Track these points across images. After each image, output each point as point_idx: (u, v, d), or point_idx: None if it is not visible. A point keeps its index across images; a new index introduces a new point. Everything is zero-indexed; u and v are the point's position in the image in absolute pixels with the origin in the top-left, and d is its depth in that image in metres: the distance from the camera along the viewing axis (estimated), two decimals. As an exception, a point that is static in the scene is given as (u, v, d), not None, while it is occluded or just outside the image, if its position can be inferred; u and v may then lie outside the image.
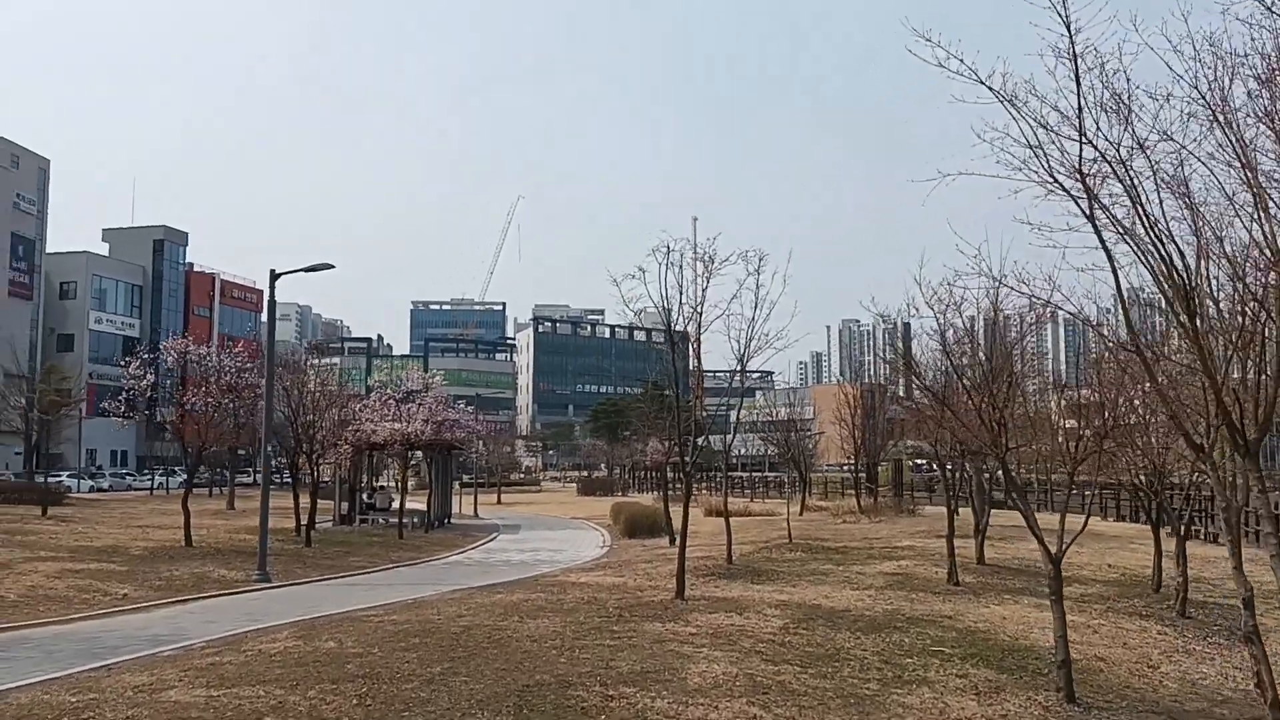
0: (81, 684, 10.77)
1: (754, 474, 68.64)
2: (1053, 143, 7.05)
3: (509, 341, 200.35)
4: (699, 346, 17.87)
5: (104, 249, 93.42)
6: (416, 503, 44.61)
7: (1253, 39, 7.04)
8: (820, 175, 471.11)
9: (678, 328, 17.65)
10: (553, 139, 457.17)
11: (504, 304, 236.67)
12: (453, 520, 44.92)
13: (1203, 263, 7.33)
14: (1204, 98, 6.86)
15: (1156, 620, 16.40)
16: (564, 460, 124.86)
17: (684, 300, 17.02)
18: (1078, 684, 11.14)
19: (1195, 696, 12.07)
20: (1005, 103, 6.95)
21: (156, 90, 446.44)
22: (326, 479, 44.13)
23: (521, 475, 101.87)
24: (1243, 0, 6.88)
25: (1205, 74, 6.89)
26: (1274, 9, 6.90)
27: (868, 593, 17.70)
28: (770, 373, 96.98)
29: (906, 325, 18.19)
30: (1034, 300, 7.99)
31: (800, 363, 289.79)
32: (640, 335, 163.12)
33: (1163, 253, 6.97)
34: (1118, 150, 6.83)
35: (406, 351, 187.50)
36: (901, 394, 62.26)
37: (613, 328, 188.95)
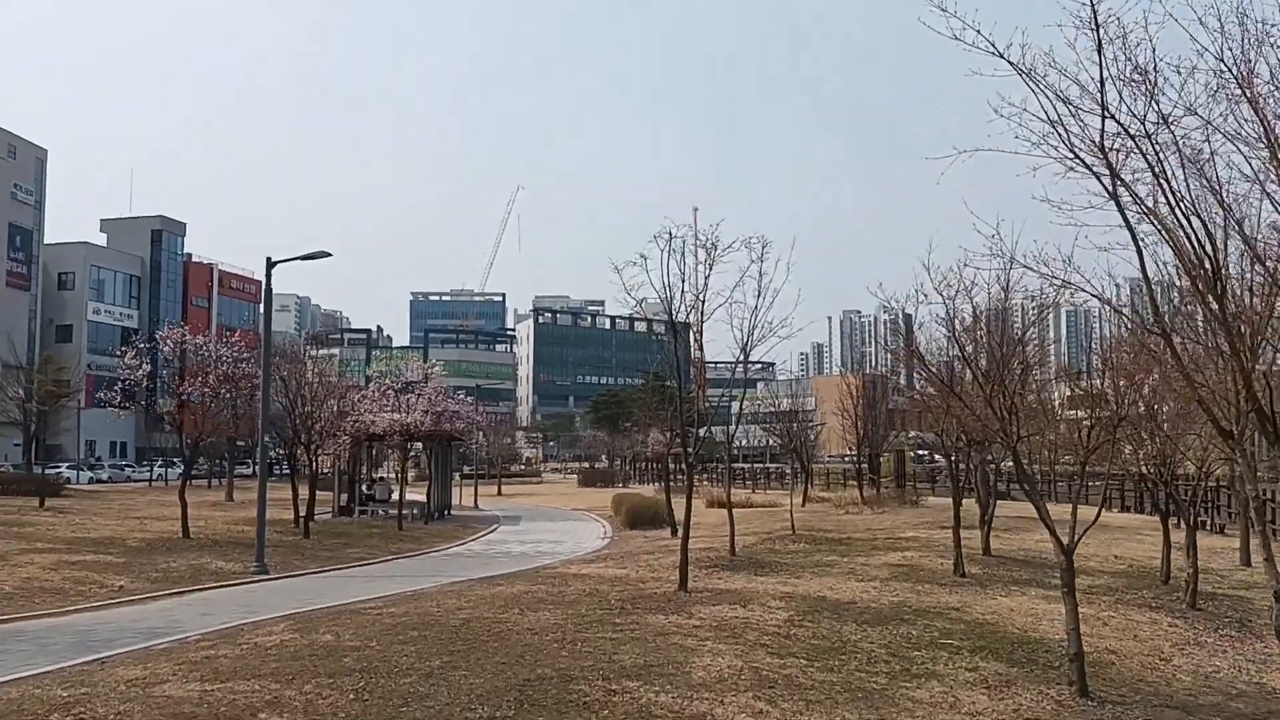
0: (74, 678, 10.54)
1: (755, 465, 68.41)
2: (1073, 115, 6.78)
3: (509, 332, 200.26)
4: (701, 335, 17.61)
5: (102, 240, 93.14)
6: (416, 494, 44.42)
7: (1281, 6, 6.76)
8: (820, 175, 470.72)
9: (680, 317, 17.39)
10: (553, 139, 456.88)
11: (504, 295, 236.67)
12: (453, 512, 44.72)
13: (1229, 243, 7.06)
14: (1230, 70, 6.59)
15: (1166, 612, 16.17)
16: (564, 451, 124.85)
17: (686, 288, 16.78)
18: (1089, 677, 10.91)
19: (1209, 690, 11.85)
20: (1024, 75, 6.68)
21: (156, 90, 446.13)
22: (326, 470, 43.94)
23: (522, 467, 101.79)
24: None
25: (1231, 47, 6.63)
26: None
27: (873, 584, 17.47)
28: (771, 364, 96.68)
29: (908, 316, 17.91)
30: (1052, 280, 7.71)
31: (801, 353, 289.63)
32: (641, 326, 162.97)
33: (1188, 231, 6.70)
34: (1143, 124, 6.56)
35: (406, 343, 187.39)
36: (903, 384, 62.32)
37: (613, 318, 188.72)
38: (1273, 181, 7.07)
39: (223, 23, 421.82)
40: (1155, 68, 6.42)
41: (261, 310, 26.94)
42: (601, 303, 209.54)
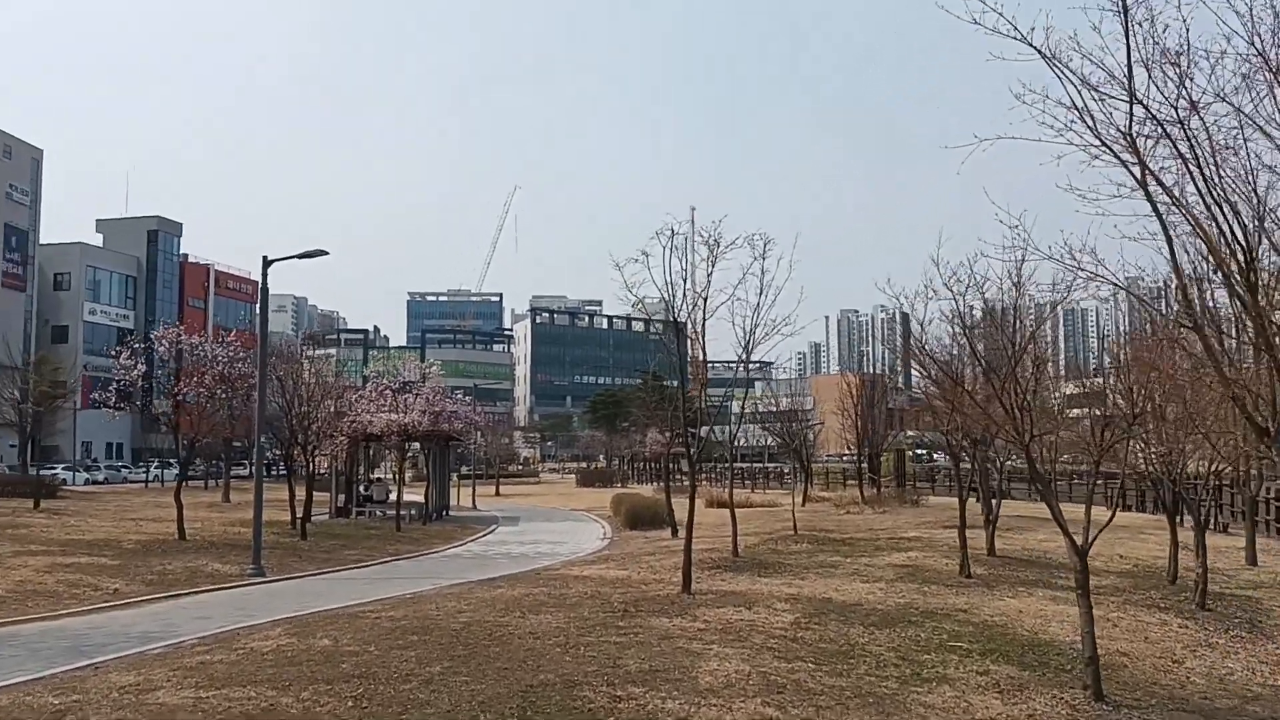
0: (66, 684, 10.31)
1: (754, 465, 68.20)
2: (1096, 100, 6.54)
3: (506, 332, 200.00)
4: (703, 333, 17.36)
5: (98, 240, 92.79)
6: (414, 495, 44.17)
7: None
8: (820, 175, 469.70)
9: (681, 315, 17.14)
10: (552, 139, 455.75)
11: (501, 295, 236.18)
12: (451, 512, 44.46)
13: (1263, 235, 6.78)
14: (1261, 55, 6.35)
15: (1176, 613, 15.94)
16: (562, 451, 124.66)
17: (689, 286, 16.54)
18: (1102, 680, 10.69)
19: (1225, 693, 11.62)
20: (1049, 60, 6.43)
21: (156, 90, 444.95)
22: (324, 471, 43.68)
23: (520, 467, 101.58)
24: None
25: (1261, 33, 6.39)
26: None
27: (878, 585, 17.23)
28: (770, 363, 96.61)
29: (905, 316, 17.67)
30: (1079, 272, 7.45)
31: (799, 353, 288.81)
32: (638, 326, 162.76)
33: (1220, 221, 6.45)
34: (1175, 109, 6.31)
35: (404, 343, 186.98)
36: (902, 384, 62.14)
37: (610, 318, 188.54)
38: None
39: (223, 23, 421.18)
40: (1189, 50, 6.20)
41: (258, 310, 26.67)
42: (599, 302, 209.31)
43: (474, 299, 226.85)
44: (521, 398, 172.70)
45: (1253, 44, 6.30)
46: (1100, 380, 16.23)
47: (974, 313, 13.33)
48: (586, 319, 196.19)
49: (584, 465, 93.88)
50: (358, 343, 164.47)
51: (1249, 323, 6.84)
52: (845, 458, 66.84)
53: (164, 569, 21.43)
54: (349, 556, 26.24)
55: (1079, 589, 10.59)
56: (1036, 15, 6.45)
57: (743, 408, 25.74)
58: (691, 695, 9.54)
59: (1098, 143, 6.60)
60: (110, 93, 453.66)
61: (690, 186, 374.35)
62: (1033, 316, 13.60)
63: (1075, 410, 26.17)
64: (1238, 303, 6.80)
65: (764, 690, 9.87)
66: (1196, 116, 6.38)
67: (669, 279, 16.36)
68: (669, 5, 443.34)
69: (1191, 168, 6.38)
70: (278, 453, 35.70)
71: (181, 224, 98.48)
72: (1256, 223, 6.68)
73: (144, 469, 70.47)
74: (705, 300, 16.66)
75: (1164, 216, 6.73)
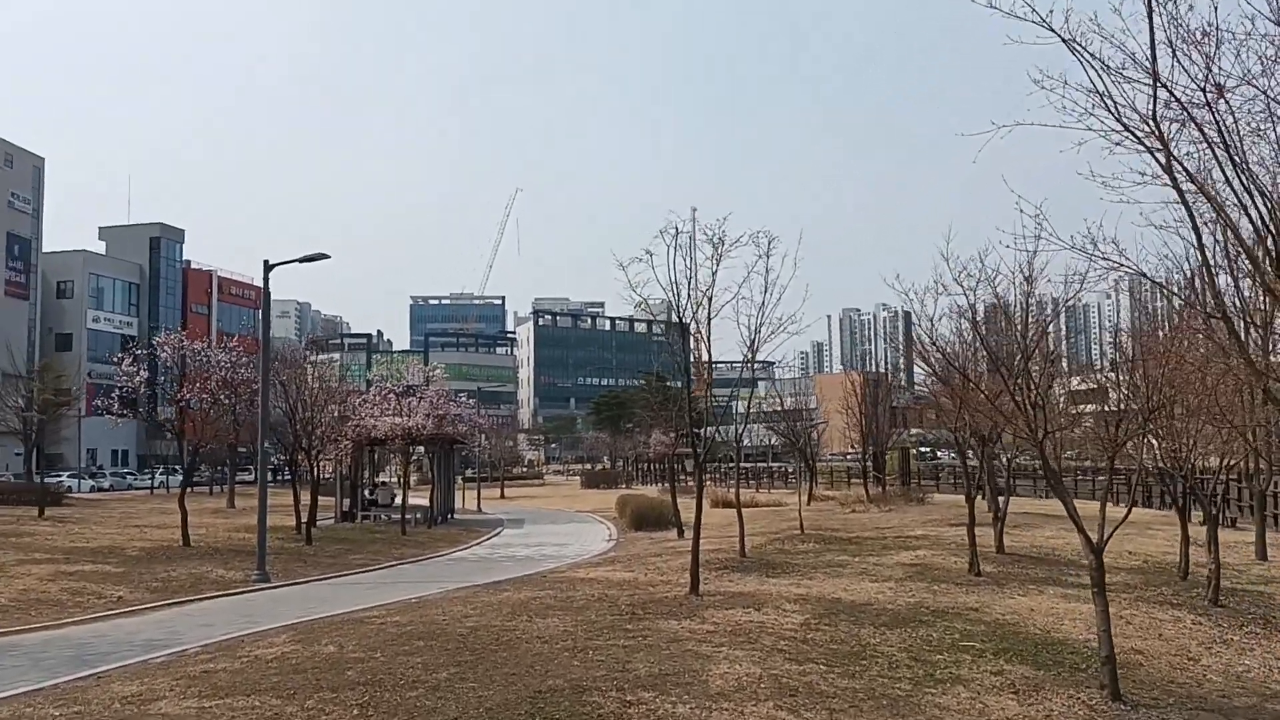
0: (67, 695, 10.19)
1: (759, 464, 68.00)
2: (1116, 85, 6.35)
3: (509, 335, 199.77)
4: (709, 332, 17.18)
5: (101, 247, 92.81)
6: (419, 498, 44.04)
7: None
8: (821, 175, 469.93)
9: (685, 315, 16.97)
10: (553, 139, 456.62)
11: (503, 298, 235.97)
12: (456, 515, 44.36)
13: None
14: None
15: (1189, 609, 15.77)
16: (566, 453, 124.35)
17: (693, 285, 16.37)
18: (1119, 680, 10.52)
19: (1243, 690, 11.45)
20: (1068, 43, 6.25)
21: (156, 90, 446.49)
22: (329, 475, 43.56)
23: (524, 469, 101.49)
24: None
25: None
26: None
27: (888, 585, 17.07)
28: (773, 363, 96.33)
29: (908, 315, 17.53)
30: (1102, 261, 7.27)
31: (801, 352, 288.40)
32: (641, 327, 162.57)
33: (1249, 208, 6.27)
34: (1204, 91, 6.13)
35: (407, 347, 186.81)
36: (905, 383, 61.93)
37: (613, 320, 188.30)
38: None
39: (223, 23, 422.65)
40: (1216, 30, 6.01)
41: (262, 313, 26.53)
42: (601, 304, 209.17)
43: (476, 302, 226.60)
44: (525, 400, 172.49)
45: (1280, 23, 6.12)
46: (1112, 374, 15.99)
47: (982, 309, 13.16)
48: (589, 321, 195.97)
49: (588, 467, 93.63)
50: (361, 347, 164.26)
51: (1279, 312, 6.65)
52: (849, 456, 66.65)
53: (168, 576, 21.32)
54: (354, 561, 26.12)
55: (1095, 587, 10.42)
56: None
57: (747, 407, 25.56)
58: (703, 699, 9.39)
59: (1120, 128, 6.43)
60: (110, 93, 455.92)
61: (691, 186, 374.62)
62: (1048, 311, 13.44)
63: (1086, 406, 26.03)
64: (1260, 291, 6.62)
65: (776, 693, 9.71)
66: (1223, 100, 6.21)
67: (673, 278, 16.19)
68: (669, 5, 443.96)
69: (1218, 152, 6.21)
70: (282, 458, 35.54)
71: (184, 230, 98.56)
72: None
73: (149, 476, 70.44)
74: (710, 299, 16.50)
75: (1190, 204, 6.54)
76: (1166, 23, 6.14)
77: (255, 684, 10.11)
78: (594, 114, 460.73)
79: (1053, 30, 6.28)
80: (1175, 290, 8.43)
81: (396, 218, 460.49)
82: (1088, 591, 13.71)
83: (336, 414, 34.92)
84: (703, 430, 21.58)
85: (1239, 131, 6.27)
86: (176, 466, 66.52)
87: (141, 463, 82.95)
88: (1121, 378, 13.04)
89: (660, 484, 59.20)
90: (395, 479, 51.31)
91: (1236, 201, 6.34)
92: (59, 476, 58.97)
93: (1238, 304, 7.86)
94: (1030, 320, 11.38)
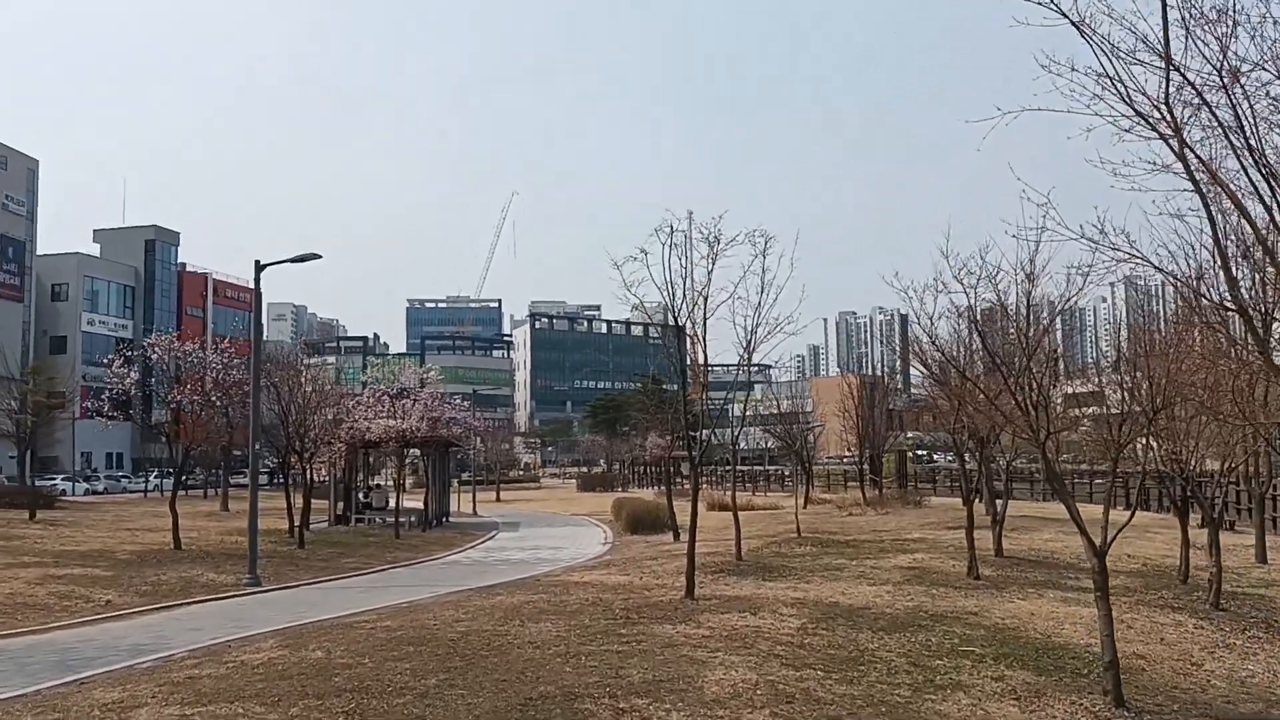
0: (48, 701, 9.96)
1: (755, 467, 67.82)
2: (1127, 69, 6.14)
3: (506, 338, 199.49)
4: (704, 333, 16.97)
5: (95, 250, 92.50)
6: (415, 501, 43.78)
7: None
8: (820, 175, 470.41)
9: (681, 316, 16.76)
10: (553, 139, 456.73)
11: (500, 301, 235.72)
12: (451, 518, 44.09)
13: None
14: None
15: (1190, 613, 15.58)
16: (563, 456, 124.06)
17: (688, 284, 16.15)
18: (1122, 685, 10.32)
19: (1247, 696, 11.27)
20: (1077, 25, 6.04)
21: (155, 90, 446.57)
22: (324, 478, 43.28)
23: (521, 472, 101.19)
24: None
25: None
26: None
27: (885, 588, 16.86)
28: (769, 366, 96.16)
29: (904, 318, 17.33)
30: (1113, 253, 7.05)
31: (798, 355, 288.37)
32: (638, 330, 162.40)
33: (1265, 195, 6.04)
34: (1219, 74, 5.93)
35: (403, 350, 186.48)
36: (902, 385, 61.77)
37: (609, 323, 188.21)
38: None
39: (223, 23, 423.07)
40: (1232, 10, 5.81)
41: (253, 315, 26.30)
42: (598, 307, 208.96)
43: (473, 305, 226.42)
44: (522, 403, 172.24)
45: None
46: (1113, 375, 15.78)
47: (982, 307, 12.96)
48: (586, 324, 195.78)
49: (585, 470, 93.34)
50: (357, 350, 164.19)
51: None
52: (846, 459, 66.47)
53: (158, 579, 21.07)
54: (346, 564, 25.87)
55: (1098, 591, 10.23)
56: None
57: (744, 410, 25.37)
58: (697, 707, 9.18)
59: (1131, 113, 6.25)
60: (109, 93, 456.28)
61: (690, 187, 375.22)
62: (1052, 307, 13.22)
63: (1087, 409, 25.82)
64: (1277, 282, 6.41)
65: (773, 700, 9.50)
66: (1238, 85, 6.01)
67: (668, 277, 15.97)
68: (669, 5, 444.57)
69: (1233, 139, 6.01)
70: (276, 461, 35.28)
71: (179, 233, 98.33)
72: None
73: (144, 479, 70.11)
74: (705, 299, 16.28)
75: (1205, 193, 6.34)
76: (1179, 2, 5.97)
77: (239, 691, 9.88)
78: (593, 114, 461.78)
79: (1062, 13, 6.09)
80: (1187, 282, 8.22)
81: (395, 219, 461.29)
82: (1087, 595, 13.54)
83: (331, 416, 34.67)
84: (698, 433, 21.35)
85: (1254, 117, 6.09)
86: (171, 469, 66.33)
87: (136, 465, 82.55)
88: (1124, 378, 12.82)
89: (657, 487, 58.99)
90: (390, 482, 51.07)
91: (1251, 190, 6.15)
92: (53, 479, 58.66)
93: (1253, 296, 7.64)
94: (1032, 318, 11.16)
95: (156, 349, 29.48)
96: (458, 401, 54.01)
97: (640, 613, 14.37)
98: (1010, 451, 22.20)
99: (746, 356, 18.55)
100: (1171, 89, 6.05)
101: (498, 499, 63.73)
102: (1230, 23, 5.89)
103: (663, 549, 26.28)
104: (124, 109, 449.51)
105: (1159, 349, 13.07)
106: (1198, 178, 6.30)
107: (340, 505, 39.66)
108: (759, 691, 9.77)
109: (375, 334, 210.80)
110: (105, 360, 33.42)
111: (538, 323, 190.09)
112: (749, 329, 17.44)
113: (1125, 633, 13.76)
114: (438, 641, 12.24)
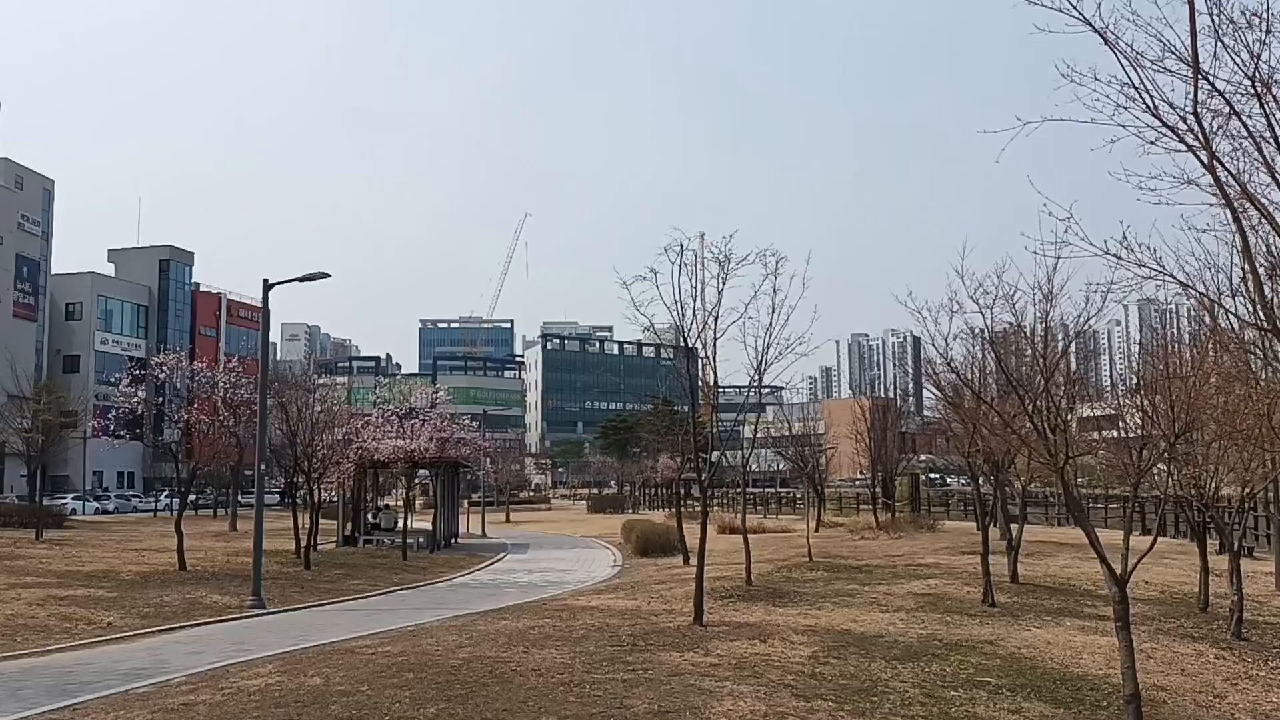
0: (39, 728, 9.73)
1: (766, 490, 67.35)
2: (1151, 79, 5.94)
3: (517, 359, 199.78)
4: (714, 354, 16.74)
5: (109, 270, 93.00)
6: (424, 522, 43.55)
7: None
8: (833, 197, 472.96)
9: (691, 336, 16.54)
10: (565, 161, 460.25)
11: (512, 321, 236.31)
12: (460, 540, 43.86)
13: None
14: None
15: (1210, 643, 15.19)
16: (573, 477, 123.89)
17: (698, 304, 15.94)
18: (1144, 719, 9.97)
19: (1273, 731, 10.90)
20: (1101, 34, 5.83)
21: (170, 113, 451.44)
22: (333, 498, 43.13)
23: (531, 493, 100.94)
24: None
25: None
26: None
27: (899, 616, 16.51)
28: (781, 387, 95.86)
29: (916, 340, 17.12)
30: (1138, 269, 6.79)
31: (809, 377, 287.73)
32: (649, 351, 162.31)
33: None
34: (1252, 82, 5.69)
35: (415, 370, 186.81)
36: (915, 408, 61.33)
37: (621, 344, 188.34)
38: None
39: (240, 47, 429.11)
40: (1267, 15, 5.57)
41: (261, 334, 26.19)
42: (610, 328, 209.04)
43: (485, 326, 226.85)
44: (533, 424, 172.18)
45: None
46: (1139, 397, 15.42)
47: (998, 327, 12.69)
48: (597, 345, 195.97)
49: (595, 491, 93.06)
50: (369, 370, 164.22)
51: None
52: (858, 482, 66.01)
53: (161, 601, 20.87)
54: (353, 586, 25.63)
55: (1118, 621, 9.89)
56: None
57: (754, 432, 25.08)
58: (703, 738, 8.89)
59: (1157, 123, 6.01)
60: (125, 115, 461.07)
61: (704, 207, 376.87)
62: (1070, 329, 12.92)
63: (1105, 432, 25.43)
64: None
65: (781, 732, 9.20)
66: (1271, 96, 5.77)
67: (678, 297, 15.75)
68: (679, 27, 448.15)
69: (1266, 150, 5.76)
70: (285, 481, 35.14)
71: (193, 253, 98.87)
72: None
73: (154, 498, 70.11)
74: (716, 319, 16.07)
75: (1237, 207, 6.09)
76: (1209, 8, 5.74)
77: (234, 719, 9.63)
78: (606, 135, 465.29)
79: (1085, 20, 5.87)
80: (1215, 299, 7.93)
81: (409, 239, 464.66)
82: (1106, 623, 13.18)
83: (340, 436, 34.53)
84: (709, 454, 21.09)
85: (1280, 126, 5.85)
86: (182, 489, 66.30)
87: (147, 485, 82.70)
88: (1143, 401, 12.51)
89: (667, 509, 58.63)
90: (400, 503, 50.87)
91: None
92: (63, 499, 58.69)
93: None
94: (1050, 339, 10.88)
95: (165, 367, 29.39)
96: (467, 422, 53.87)
97: (647, 639, 14.07)
98: (1026, 475, 21.86)
99: (757, 378, 18.33)
100: (1200, 97, 5.84)
101: (508, 520, 63.46)
102: (1263, 28, 5.67)
103: (672, 572, 25.96)
104: (141, 130, 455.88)
105: (1179, 370, 12.76)
106: (1229, 192, 6.05)
107: (349, 526, 39.45)
108: (768, 723, 9.47)
109: (388, 354, 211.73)
110: (114, 379, 33.37)
111: (549, 343, 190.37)
112: (760, 350, 17.24)
113: (1145, 663, 13.38)
114: (439, 668, 11.97)
